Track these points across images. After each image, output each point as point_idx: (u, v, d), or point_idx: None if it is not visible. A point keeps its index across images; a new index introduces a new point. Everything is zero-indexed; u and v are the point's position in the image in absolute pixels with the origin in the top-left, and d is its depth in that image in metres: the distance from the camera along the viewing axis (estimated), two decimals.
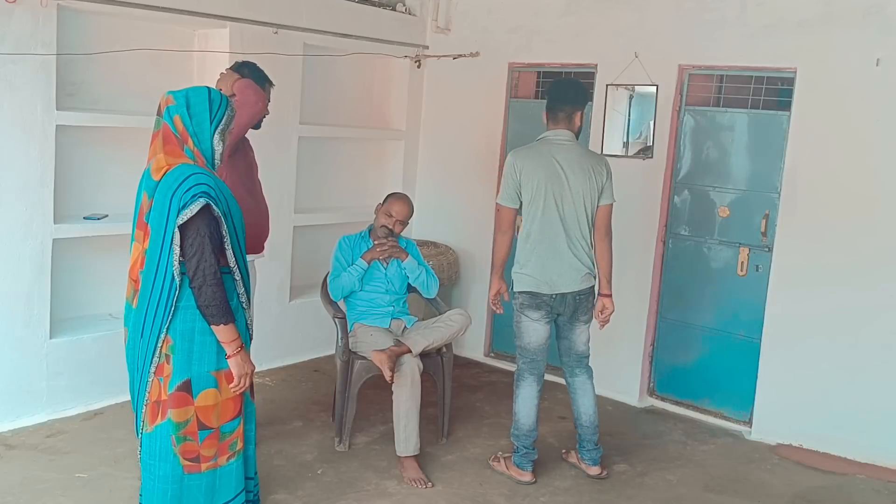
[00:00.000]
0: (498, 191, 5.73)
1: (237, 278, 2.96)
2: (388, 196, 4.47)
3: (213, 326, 2.85)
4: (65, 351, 4.35)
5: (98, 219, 4.47)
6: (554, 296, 3.91)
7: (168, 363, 2.87)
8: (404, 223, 4.40)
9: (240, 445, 3.07)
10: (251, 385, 3.16)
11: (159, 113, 2.92)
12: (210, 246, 2.80)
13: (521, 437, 3.98)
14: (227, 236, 2.87)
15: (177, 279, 2.81)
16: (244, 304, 3.02)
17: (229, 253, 2.90)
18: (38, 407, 4.27)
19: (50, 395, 4.30)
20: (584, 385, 4.09)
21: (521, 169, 3.87)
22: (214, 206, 2.81)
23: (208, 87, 2.98)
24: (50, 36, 4.08)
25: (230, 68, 3.98)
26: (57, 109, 4.17)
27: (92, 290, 4.70)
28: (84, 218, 4.47)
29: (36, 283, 4.21)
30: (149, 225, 2.85)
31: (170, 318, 2.84)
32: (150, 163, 2.89)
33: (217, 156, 2.97)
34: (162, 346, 2.87)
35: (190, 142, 2.88)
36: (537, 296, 3.91)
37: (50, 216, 4.21)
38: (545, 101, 4.01)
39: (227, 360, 2.90)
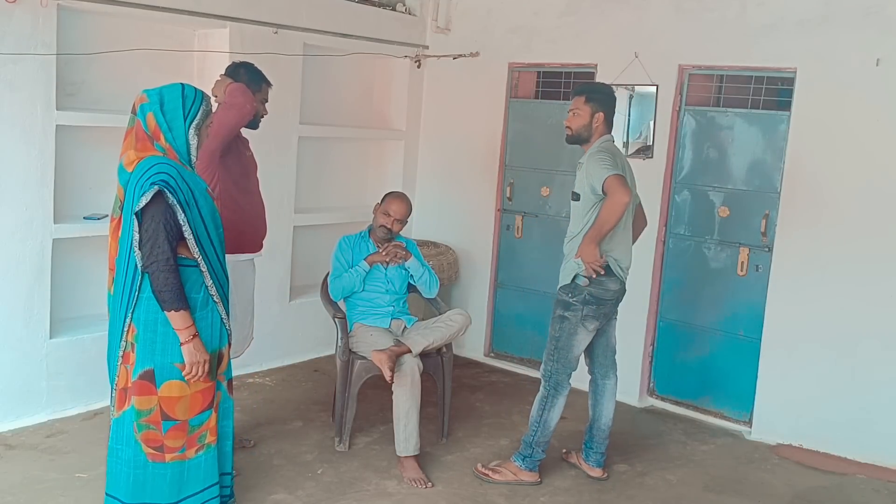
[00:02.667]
0: (500, 191, 5.78)
1: (204, 270, 2.98)
2: (386, 195, 4.47)
3: (165, 312, 2.89)
4: (65, 351, 4.35)
5: (98, 219, 4.46)
6: (620, 292, 3.93)
7: (133, 351, 2.93)
8: (403, 222, 4.40)
9: (209, 438, 3.09)
10: (229, 381, 3.20)
11: (133, 111, 2.99)
12: (164, 232, 2.84)
13: (542, 444, 3.96)
14: (188, 226, 2.90)
15: (139, 267, 2.87)
16: (215, 298, 3.03)
17: (191, 243, 2.92)
18: (38, 407, 4.27)
19: (50, 395, 4.30)
20: (612, 389, 4.10)
21: (619, 164, 3.80)
22: (170, 194, 2.84)
23: (182, 84, 3.03)
24: (50, 36, 4.09)
25: (225, 72, 3.98)
26: (57, 109, 4.17)
27: (92, 290, 4.69)
28: (84, 218, 4.48)
29: (36, 283, 4.21)
30: (122, 215, 2.94)
31: (133, 305, 2.90)
32: (121, 158, 2.99)
33: (192, 150, 3.03)
34: (127, 334, 2.94)
35: (162, 138, 2.95)
36: (604, 303, 3.87)
37: (50, 216, 4.21)
38: (603, 106, 3.88)
39: (181, 348, 2.93)
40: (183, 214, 2.88)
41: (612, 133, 3.97)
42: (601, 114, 3.88)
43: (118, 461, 3.01)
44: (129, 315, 2.92)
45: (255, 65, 4.03)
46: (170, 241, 2.85)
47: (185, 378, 2.96)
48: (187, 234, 2.90)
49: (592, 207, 3.80)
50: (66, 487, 3.60)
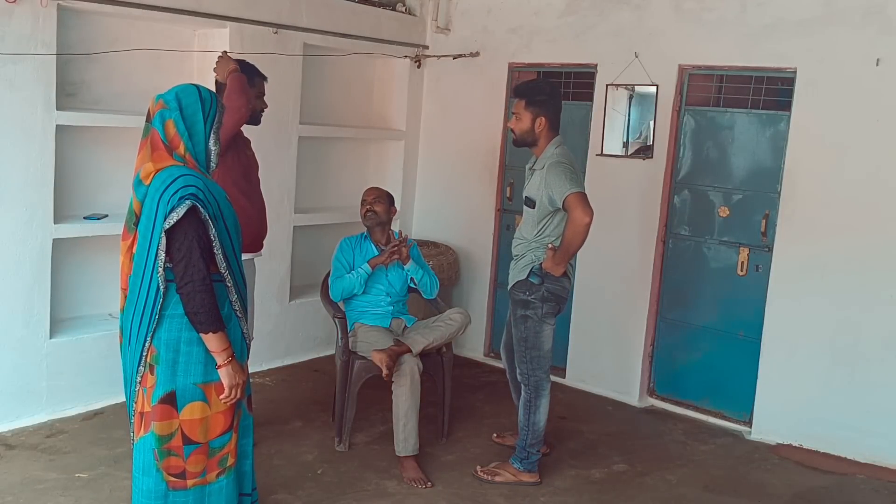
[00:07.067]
0: (500, 191, 5.78)
1: (229, 285, 2.83)
2: None
3: (202, 335, 2.73)
4: (65, 351, 4.35)
5: (98, 219, 4.47)
6: (571, 288, 3.98)
7: (152, 374, 2.76)
8: (381, 201, 4.43)
9: (231, 461, 2.93)
10: (249, 397, 3.04)
11: (149, 119, 2.80)
12: (199, 250, 2.68)
13: (535, 445, 3.96)
14: (217, 241, 2.75)
15: (161, 286, 2.69)
16: (238, 313, 2.89)
17: (219, 258, 2.77)
18: (38, 407, 4.27)
19: (50, 395, 4.30)
20: None
21: (577, 171, 3.83)
22: (202, 209, 2.69)
23: (196, 86, 2.86)
24: (50, 36, 4.08)
25: (226, 53, 3.97)
26: (57, 109, 4.17)
27: (92, 290, 4.70)
28: (84, 218, 4.47)
29: (36, 283, 4.21)
30: (137, 231, 2.75)
31: (154, 326, 2.72)
32: (137, 171, 2.78)
33: (213, 156, 2.86)
34: (146, 356, 2.76)
35: (181, 147, 2.77)
36: (562, 300, 3.91)
37: (50, 216, 4.21)
38: (545, 110, 3.84)
39: (218, 371, 2.77)
40: (213, 229, 2.73)
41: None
42: (543, 118, 3.84)
43: (139, 491, 2.84)
44: (150, 336, 2.74)
45: (249, 61, 4.02)
46: (204, 258, 2.69)
47: (224, 401, 2.81)
48: (217, 249, 2.74)
49: (547, 217, 3.81)
50: (66, 487, 3.60)
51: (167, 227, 2.64)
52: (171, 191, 2.66)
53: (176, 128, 2.76)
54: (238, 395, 2.82)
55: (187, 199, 2.65)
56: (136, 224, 2.77)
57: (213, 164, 2.88)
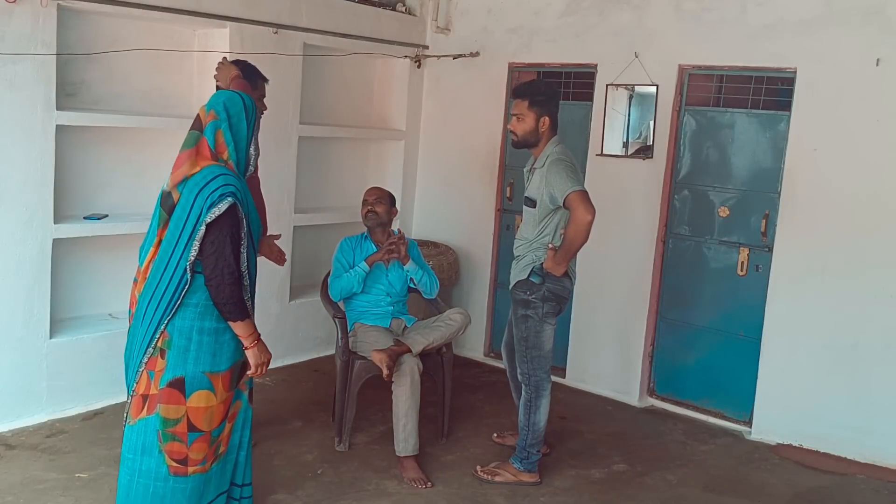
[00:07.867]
0: (500, 191, 5.78)
1: (245, 283, 2.95)
2: None
3: (230, 323, 2.88)
4: (65, 351, 4.35)
5: (98, 219, 4.47)
6: (572, 289, 3.97)
7: (162, 358, 2.86)
8: (382, 201, 4.44)
9: (223, 448, 3.03)
10: (250, 390, 3.13)
11: (199, 129, 2.90)
12: (230, 246, 2.82)
13: (536, 445, 3.96)
14: (245, 240, 2.89)
15: (188, 275, 2.81)
16: (249, 310, 2.99)
17: (243, 256, 2.90)
18: (38, 407, 4.27)
19: (50, 395, 4.30)
20: None
21: (578, 171, 3.84)
22: (240, 208, 2.84)
23: (240, 95, 3.00)
24: (50, 36, 4.08)
25: (228, 60, 3.96)
26: (57, 109, 4.17)
27: (92, 290, 4.70)
28: (84, 218, 4.47)
29: (36, 283, 4.21)
30: (169, 220, 2.86)
31: (172, 313, 2.83)
32: (181, 177, 2.87)
33: (253, 161, 3.01)
34: (158, 340, 2.86)
35: (226, 153, 2.91)
36: (563, 301, 3.91)
37: (50, 216, 4.21)
38: (548, 110, 3.85)
39: (245, 351, 2.93)
40: (246, 228, 2.87)
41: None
42: (547, 118, 3.84)
43: (132, 472, 2.89)
44: (166, 321, 2.84)
45: (251, 63, 4.02)
46: (235, 254, 2.83)
47: (251, 375, 2.98)
48: (244, 248, 2.88)
49: (548, 216, 3.81)
50: (66, 487, 3.61)
51: (209, 220, 2.77)
52: (212, 187, 2.79)
53: (223, 136, 2.91)
54: (263, 372, 2.98)
55: (228, 196, 2.79)
56: (170, 212, 2.86)
57: (251, 169, 3.02)
